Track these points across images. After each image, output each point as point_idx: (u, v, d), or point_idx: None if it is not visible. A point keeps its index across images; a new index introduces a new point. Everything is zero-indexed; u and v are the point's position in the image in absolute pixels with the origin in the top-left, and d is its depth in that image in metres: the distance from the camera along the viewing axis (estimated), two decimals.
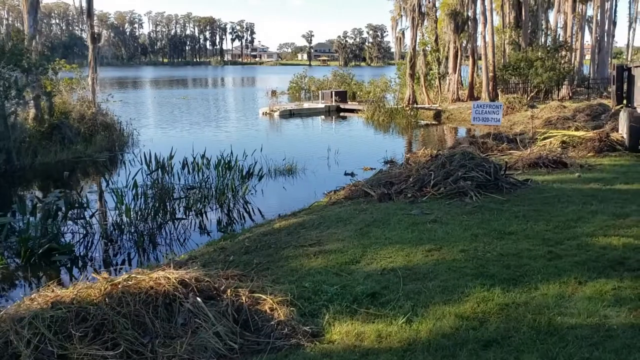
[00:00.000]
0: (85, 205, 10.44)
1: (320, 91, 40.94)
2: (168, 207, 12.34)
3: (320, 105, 37.32)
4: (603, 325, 3.92)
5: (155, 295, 3.90)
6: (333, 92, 37.80)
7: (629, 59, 60.47)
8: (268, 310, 4.25)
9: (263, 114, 35.01)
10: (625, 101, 14.14)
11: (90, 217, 10.06)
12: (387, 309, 4.38)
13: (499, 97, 32.14)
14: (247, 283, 4.97)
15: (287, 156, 18.18)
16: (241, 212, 13.34)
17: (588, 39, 50.96)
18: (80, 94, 22.52)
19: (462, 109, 31.97)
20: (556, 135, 12.69)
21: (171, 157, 14.53)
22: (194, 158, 14.66)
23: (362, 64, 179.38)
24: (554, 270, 4.92)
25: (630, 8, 59.12)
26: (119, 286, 3.96)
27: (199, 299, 4.03)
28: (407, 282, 4.85)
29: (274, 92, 51.31)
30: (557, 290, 4.52)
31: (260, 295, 4.42)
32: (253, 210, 13.47)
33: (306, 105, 37.70)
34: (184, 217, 12.05)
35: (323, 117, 35.77)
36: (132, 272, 4.35)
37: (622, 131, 12.68)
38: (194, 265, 6.02)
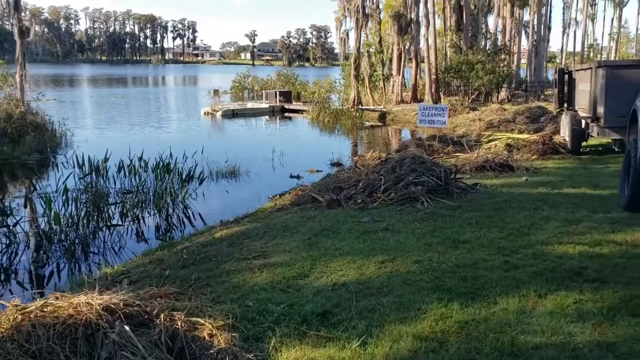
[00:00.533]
0: (8, 212, 9.59)
1: (263, 91, 40.36)
2: (102, 213, 11.62)
3: (264, 105, 36.76)
4: (568, 344, 3.67)
5: (75, 325, 3.37)
6: (277, 92, 37.29)
7: (562, 63, 62.94)
8: (207, 337, 3.79)
9: (205, 114, 34.12)
10: (566, 104, 14.38)
11: (14, 225, 9.23)
12: (339, 330, 3.99)
13: (442, 100, 32.56)
14: (185, 303, 4.48)
15: (230, 158, 17.59)
16: (181, 218, 12.72)
17: (524, 43, 52.66)
18: (7, 92, 21.15)
19: (407, 110, 32.17)
20: (501, 138, 12.72)
21: (106, 159, 13.72)
22: (131, 160, 13.90)
23: (306, 64, 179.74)
24: (512, 282, 4.68)
25: (564, 14, 61.60)
26: (32, 315, 3.41)
27: (126, 327, 3.52)
28: (360, 299, 4.49)
29: (216, 92, 50.25)
30: (517, 305, 4.26)
31: (198, 319, 3.94)
32: (194, 216, 12.89)
33: (249, 105, 37.06)
34: (120, 223, 11.34)
35: (267, 117, 35.23)
36: (49, 298, 3.78)
37: (564, 134, 12.85)
38: (126, 282, 5.47)
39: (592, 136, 11.96)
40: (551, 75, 55.67)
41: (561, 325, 3.91)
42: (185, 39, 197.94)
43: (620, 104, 10.01)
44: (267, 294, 4.64)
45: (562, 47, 62.96)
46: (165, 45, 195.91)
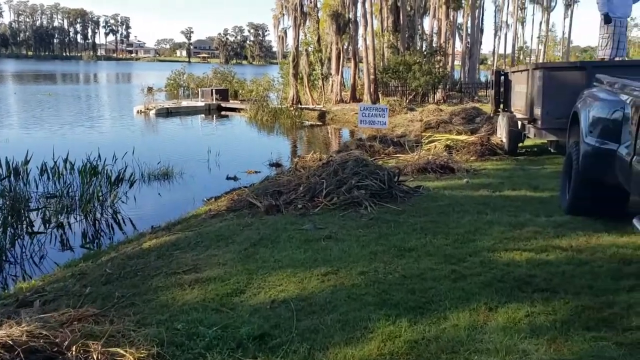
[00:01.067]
0: None
1: (199, 89, 39.34)
2: (22, 219, 10.77)
3: (200, 103, 35.81)
4: None
5: None
6: (213, 90, 36.39)
7: (494, 64, 65.01)
8: None
9: (138, 112, 32.85)
10: (502, 106, 14.55)
11: None
12: (278, 355, 3.60)
13: (380, 100, 32.71)
14: (105, 326, 3.96)
15: (164, 158, 16.90)
16: (110, 223, 12.00)
17: (457, 45, 53.93)
18: None
19: (346, 110, 32.12)
20: (440, 139, 12.68)
21: (27, 161, 12.76)
22: (55, 162, 12.99)
23: (244, 62, 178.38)
24: (462, 294, 4.43)
25: (495, 17, 63.60)
26: None
27: None
28: (301, 317, 4.11)
29: (150, 89, 48.60)
30: (468, 320, 4.01)
31: (118, 349, 3.45)
32: (124, 221, 12.21)
33: (185, 103, 36.01)
34: (42, 230, 10.54)
35: (203, 116, 34.35)
36: None
37: (501, 135, 12.96)
38: (38, 303, 4.88)
39: (528, 137, 12.08)
40: (484, 76, 57.38)
41: (515, 342, 3.67)
42: (118, 35, 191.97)
43: (557, 105, 10.11)
44: (198, 314, 4.18)
45: (494, 50, 65.03)
46: (97, 41, 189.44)
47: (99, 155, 13.11)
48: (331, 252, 5.40)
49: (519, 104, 12.71)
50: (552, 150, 11.46)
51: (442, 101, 35.72)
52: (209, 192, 14.16)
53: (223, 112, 35.61)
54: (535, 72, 10.69)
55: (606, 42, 10.61)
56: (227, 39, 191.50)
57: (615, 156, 5.75)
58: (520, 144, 12.60)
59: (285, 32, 37.53)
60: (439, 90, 36.55)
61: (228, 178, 15.71)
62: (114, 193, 12.52)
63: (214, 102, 36.07)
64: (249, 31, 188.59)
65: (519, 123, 12.05)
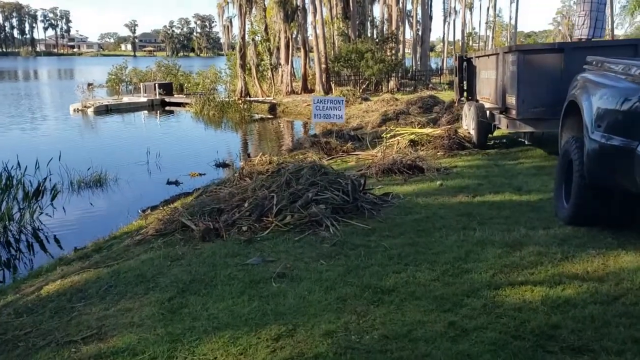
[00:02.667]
0: None
1: (141, 84, 37.06)
2: None
3: (143, 99, 33.69)
4: None
5: None
6: (156, 85, 34.29)
7: (444, 51, 64.80)
8: None
9: (74, 110, 30.54)
10: (466, 94, 13.49)
11: None
12: None
13: (333, 90, 31.45)
14: None
15: (99, 162, 15.25)
16: (30, 243, 10.35)
17: (407, 32, 53.30)
18: None
19: (298, 102, 30.73)
20: (403, 134, 11.48)
21: None
22: None
23: (191, 54, 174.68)
24: None
25: (444, 3, 63.20)
26: None
27: None
28: None
29: (90, 85, 45.90)
30: None
31: None
32: (47, 239, 10.59)
33: (126, 99, 33.78)
34: None
35: (146, 112, 32.28)
36: None
37: (469, 126, 11.87)
38: None
39: (498, 128, 11.03)
40: (434, 64, 56.87)
41: None
42: (58, 30, 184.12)
43: (533, 93, 9.05)
44: None
45: (443, 36, 64.78)
46: (36, 36, 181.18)
47: (18, 163, 11.43)
48: (285, 300, 4.04)
49: (486, 91, 11.64)
50: (526, 142, 10.44)
51: (396, 90, 34.76)
52: (146, 200, 12.61)
53: (167, 108, 33.59)
54: (508, 55, 9.59)
55: (582, 21, 9.61)
56: (173, 31, 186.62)
57: (634, 156, 4.62)
58: (490, 135, 11.55)
59: (231, 22, 35.76)
60: (392, 78, 35.57)
61: (169, 183, 14.13)
62: (33, 208, 10.82)
63: (157, 97, 33.99)
64: (195, 23, 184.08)
65: (488, 113, 10.97)
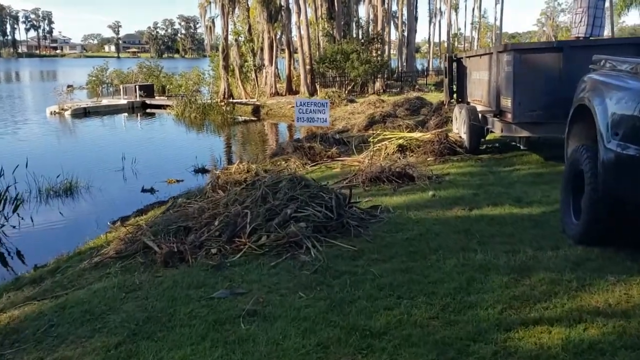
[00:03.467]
0: None
1: (121, 85, 36.10)
2: None
3: (123, 101, 32.75)
4: None
5: None
6: (137, 87, 33.36)
7: (430, 52, 64.46)
8: None
9: (51, 113, 29.55)
10: (455, 96, 12.90)
11: None
12: None
13: (318, 91, 30.81)
14: None
15: (73, 168, 14.54)
16: None
17: (393, 33, 52.84)
18: None
19: (282, 103, 30.02)
20: (391, 138, 10.83)
21: None
22: None
23: (176, 55, 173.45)
24: None
25: (429, 4, 62.82)
26: None
27: None
28: None
29: (69, 87, 44.82)
30: None
31: None
32: (9, 253, 9.86)
33: (105, 101, 32.82)
34: None
35: (126, 115, 31.35)
36: None
37: (460, 131, 11.26)
38: None
39: (492, 132, 10.43)
40: (420, 65, 56.40)
41: None
42: (40, 31, 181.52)
43: (530, 95, 8.44)
44: None
45: (429, 37, 64.37)
46: (18, 38, 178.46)
47: None
48: (255, 347, 3.35)
49: (478, 93, 11.04)
50: (521, 147, 9.84)
51: (382, 91, 34.19)
52: (119, 209, 11.87)
53: (148, 110, 32.67)
54: (502, 55, 8.98)
55: (580, 18, 9.03)
56: (157, 32, 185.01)
57: None
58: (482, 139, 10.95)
59: (213, 22, 34.98)
60: (378, 79, 34.98)
61: (144, 190, 13.36)
62: None
63: (138, 99, 33.07)
64: (179, 24, 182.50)
65: (481, 116, 10.37)
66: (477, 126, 10.39)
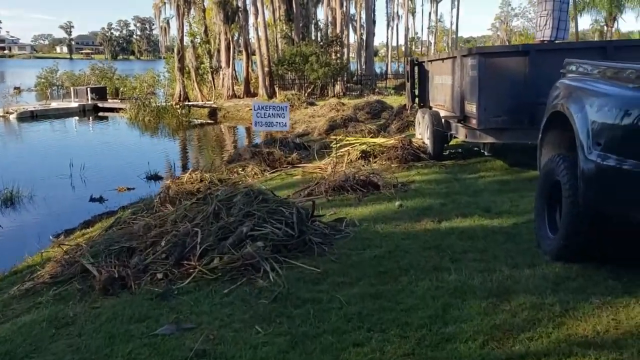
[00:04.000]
0: None
1: (72, 88, 34.73)
2: None
3: (73, 104, 31.48)
4: None
5: None
6: (88, 89, 32.11)
7: (388, 56, 64.83)
8: None
9: None
10: (417, 100, 12.62)
11: None
12: None
13: (277, 94, 30.31)
14: None
15: (16, 176, 13.63)
16: None
17: (351, 36, 52.78)
18: None
19: (240, 106, 29.38)
20: (354, 144, 10.44)
21: None
22: None
23: (132, 57, 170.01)
24: None
25: (387, 8, 63.20)
26: None
27: None
28: None
29: (17, 89, 42.99)
30: None
31: None
32: None
33: (55, 104, 31.46)
34: None
35: (77, 118, 30.12)
36: None
37: (423, 136, 10.96)
38: None
39: (456, 138, 10.17)
40: (378, 68, 56.54)
41: None
42: None
43: (496, 100, 8.18)
44: None
45: (387, 41, 64.83)
46: None
47: None
48: None
49: (441, 98, 10.77)
50: (485, 154, 9.59)
51: (342, 94, 33.91)
52: (64, 221, 11.11)
53: (101, 114, 31.47)
54: (467, 59, 8.70)
55: (545, 21, 8.84)
56: (111, 33, 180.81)
57: None
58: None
59: (168, 23, 34.00)
60: (338, 82, 34.69)
61: (92, 199, 12.60)
62: None
63: (90, 102, 31.83)
64: (135, 25, 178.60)
65: (444, 122, 10.09)
66: (441, 132, 10.10)
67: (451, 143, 11.00)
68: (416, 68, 12.47)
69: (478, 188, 7.88)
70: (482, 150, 9.75)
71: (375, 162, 10.03)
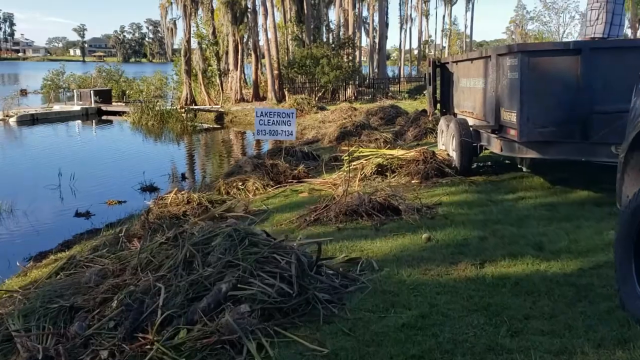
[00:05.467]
0: None
1: (75, 90, 33.75)
2: None
3: (76, 107, 30.44)
4: None
5: None
6: (92, 92, 31.06)
7: (401, 59, 63.43)
8: None
9: None
10: (439, 106, 11.30)
11: None
12: None
13: (287, 98, 29.08)
14: None
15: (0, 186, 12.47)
16: None
17: (364, 39, 51.51)
18: None
19: (247, 110, 28.17)
20: (368, 156, 9.12)
21: None
22: None
23: (144, 60, 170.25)
24: None
25: (400, 10, 61.85)
26: None
27: None
28: None
29: (23, 91, 42.15)
30: None
31: None
32: None
33: (57, 107, 30.41)
34: None
35: (79, 122, 29.05)
36: None
37: (447, 147, 9.62)
38: None
39: (486, 150, 8.85)
40: (391, 72, 55.09)
41: None
42: (1, 33, 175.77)
43: (542, 108, 6.83)
44: None
45: (400, 43, 63.24)
46: None
47: None
48: None
49: (468, 104, 9.44)
50: (524, 169, 8.26)
51: (353, 98, 32.62)
52: (43, 240, 9.93)
53: (104, 117, 30.40)
54: (504, 59, 7.37)
55: (597, 15, 7.49)
56: (124, 36, 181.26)
57: None
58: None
59: (175, 24, 32.82)
60: (349, 86, 33.39)
61: (78, 214, 11.39)
62: None
63: (93, 105, 30.78)
64: (147, 28, 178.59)
65: (474, 131, 8.77)
66: (469, 143, 8.77)
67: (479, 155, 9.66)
68: (438, 70, 11.14)
69: (521, 214, 6.53)
70: (519, 165, 8.41)
71: (394, 177, 8.71)
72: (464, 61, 9.69)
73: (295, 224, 6.49)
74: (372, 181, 8.53)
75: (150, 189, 13.38)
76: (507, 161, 9.51)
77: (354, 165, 9.16)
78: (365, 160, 8.96)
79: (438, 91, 11.49)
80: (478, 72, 8.67)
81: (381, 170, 8.87)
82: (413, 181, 8.51)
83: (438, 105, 11.37)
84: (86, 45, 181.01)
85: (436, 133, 15.22)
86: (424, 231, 5.74)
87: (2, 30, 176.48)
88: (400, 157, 8.94)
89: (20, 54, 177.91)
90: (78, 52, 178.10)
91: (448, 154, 9.42)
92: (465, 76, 9.54)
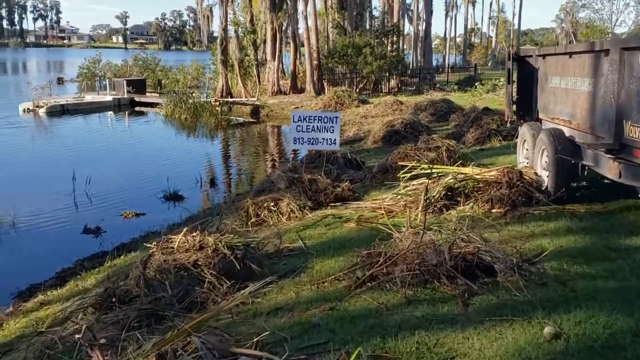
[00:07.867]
0: None
1: (108, 80, 32.65)
2: None
3: (108, 98, 29.29)
4: None
5: None
6: (125, 82, 29.83)
7: (446, 48, 60.68)
8: None
9: (24, 111, 26.16)
10: (516, 108, 9.24)
11: None
12: None
13: (326, 90, 27.20)
14: None
15: (8, 191, 11.30)
16: None
17: (407, 27, 49.07)
18: None
19: (284, 103, 26.44)
20: (432, 173, 7.19)
21: None
22: None
23: (184, 48, 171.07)
24: None
25: None
26: None
27: None
28: None
29: (60, 80, 41.52)
30: None
31: None
32: None
33: (89, 98, 29.32)
34: None
35: (111, 113, 27.88)
36: None
37: (535, 164, 7.61)
38: None
39: (590, 170, 6.84)
40: (435, 61, 52.39)
41: None
42: (48, 21, 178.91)
43: None
44: None
45: (445, 32, 60.51)
46: (26, 27, 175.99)
47: None
48: None
49: (563, 110, 7.41)
50: None
51: (397, 90, 30.55)
52: (40, 265, 8.48)
53: (137, 108, 29.18)
54: (629, 54, 5.35)
55: None
56: (165, 24, 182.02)
57: None
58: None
59: (211, 10, 31.31)
60: (393, 77, 31.28)
61: (86, 231, 9.88)
62: None
63: (126, 95, 29.59)
64: (188, 15, 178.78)
65: (574, 147, 6.77)
66: (567, 161, 6.77)
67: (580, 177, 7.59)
68: (515, 64, 9.08)
69: None
70: None
71: (468, 204, 6.79)
72: (558, 55, 7.64)
73: (343, 283, 4.69)
74: (438, 209, 6.64)
75: (175, 197, 11.82)
76: (605, 180, 7.45)
77: (414, 186, 7.28)
78: (431, 181, 7.03)
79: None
80: (582, 70, 6.65)
81: (451, 195, 6.96)
82: (494, 210, 6.58)
83: (515, 108, 9.32)
84: (128, 32, 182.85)
85: (502, 136, 13.19)
86: (540, 315, 3.84)
87: (49, 18, 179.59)
88: (475, 177, 6.99)
89: (65, 41, 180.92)
90: (120, 39, 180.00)
91: (536, 173, 7.41)
92: (559, 74, 7.50)
